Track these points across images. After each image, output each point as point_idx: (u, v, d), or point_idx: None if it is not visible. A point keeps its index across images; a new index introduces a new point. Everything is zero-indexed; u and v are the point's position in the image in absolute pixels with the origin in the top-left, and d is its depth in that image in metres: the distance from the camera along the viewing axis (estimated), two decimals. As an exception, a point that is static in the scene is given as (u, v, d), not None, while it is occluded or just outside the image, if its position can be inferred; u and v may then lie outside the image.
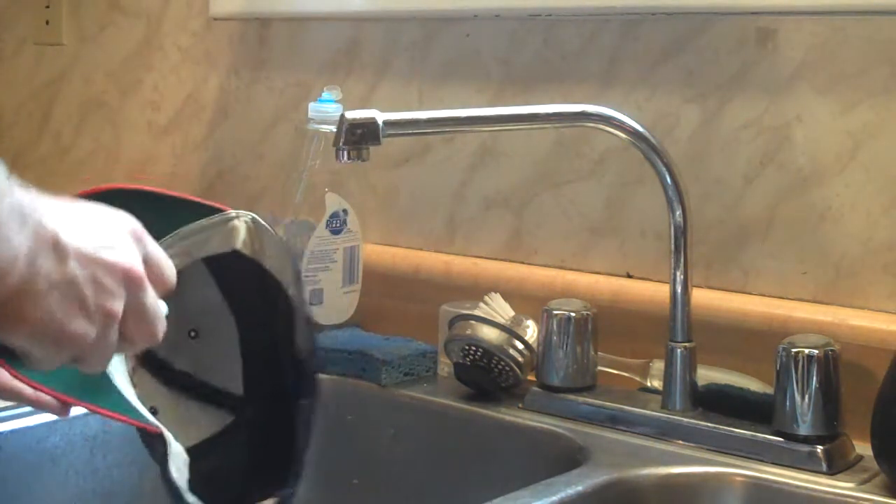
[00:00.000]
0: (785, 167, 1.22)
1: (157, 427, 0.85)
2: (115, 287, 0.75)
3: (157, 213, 0.89)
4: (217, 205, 0.92)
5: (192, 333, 0.92)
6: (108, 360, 0.78)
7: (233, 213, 0.91)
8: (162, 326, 0.79)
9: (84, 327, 0.74)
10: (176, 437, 0.87)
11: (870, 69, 1.17)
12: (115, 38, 1.80)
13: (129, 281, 0.76)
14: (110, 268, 0.75)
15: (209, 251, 0.90)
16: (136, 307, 0.77)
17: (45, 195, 0.74)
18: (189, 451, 0.88)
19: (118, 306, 0.75)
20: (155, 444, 0.86)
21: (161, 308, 0.79)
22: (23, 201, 0.70)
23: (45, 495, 1.17)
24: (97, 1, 1.82)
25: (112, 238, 0.76)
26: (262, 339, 0.92)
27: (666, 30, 1.29)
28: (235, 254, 0.90)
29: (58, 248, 0.72)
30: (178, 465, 0.86)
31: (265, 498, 0.88)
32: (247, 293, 0.93)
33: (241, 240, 0.91)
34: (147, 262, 0.78)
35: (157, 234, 0.87)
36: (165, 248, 0.86)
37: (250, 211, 0.91)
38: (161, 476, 0.87)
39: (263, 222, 0.91)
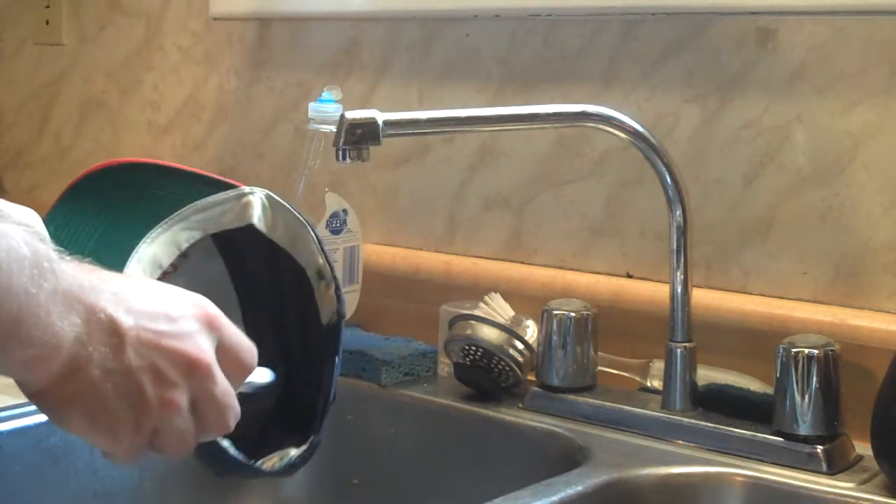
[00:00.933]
0: (785, 167, 1.22)
1: None
2: (178, 378, 0.71)
3: (173, 186, 0.90)
4: (232, 181, 0.92)
5: None
6: (187, 448, 0.74)
7: (247, 189, 0.92)
8: (235, 415, 0.75)
9: (144, 418, 0.70)
10: None
11: (870, 69, 1.17)
12: (115, 38, 1.80)
13: (194, 371, 0.72)
14: (173, 357, 0.71)
15: (224, 226, 0.91)
16: (204, 397, 0.73)
17: (106, 272, 0.70)
18: None
19: (180, 398, 0.71)
20: None
21: (233, 397, 0.75)
22: (72, 284, 0.67)
23: (45, 495, 1.17)
24: (97, 1, 1.82)
25: (178, 324, 0.72)
26: (269, 312, 0.93)
27: (666, 30, 1.29)
28: (249, 229, 0.91)
29: (115, 335, 0.68)
30: None
31: (290, 446, 0.88)
32: (254, 268, 0.93)
33: (256, 215, 0.91)
34: (222, 348, 0.74)
35: (173, 208, 0.87)
36: (181, 220, 0.87)
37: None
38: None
39: (278, 198, 0.92)
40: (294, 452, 0.88)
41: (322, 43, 1.57)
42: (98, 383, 0.68)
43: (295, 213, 0.93)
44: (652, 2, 1.29)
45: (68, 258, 0.68)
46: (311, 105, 1.39)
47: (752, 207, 1.24)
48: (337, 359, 0.91)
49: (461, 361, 1.25)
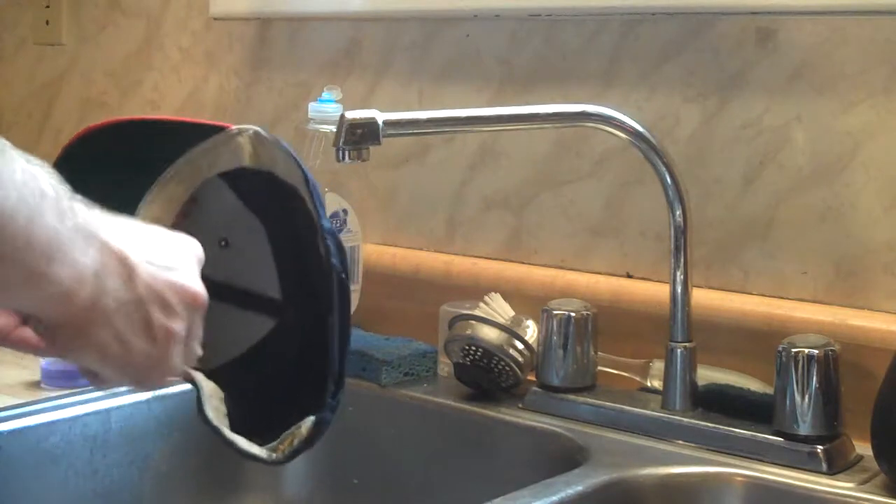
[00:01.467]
0: (785, 167, 1.22)
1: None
2: (181, 309, 0.76)
3: (166, 138, 0.91)
4: (220, 123, 0.93)
5: (223, 243, 0.93)
6: (173, 377, 0.79)
7: (235, 129, 0.93)
8: (198, 349, 0.81)
9: (149, 346, 0.75)
10: (224, 349, 0.88)
11: (870, 69, 1.17)
12: (115, 38, 1.80)
13: (192, 304, 0.77)
14: (177, 289, 0.75)
15: (220, 168, 0.92)
16: (194, 331, 0.78)
17: (110, 214, 0.74)
18: (237, 361, 0.90)
19: (181, 328, 0.76)
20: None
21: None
22: (88, 220, 0.70)
23: (45, 495, 1.17)
24: (97, 1, 1.82)
25: (178, 260, 0.76)
26: (291, 245, 0.93)
27: (666, 30, 1.29)
28: (243, 169, 0.92)
29: (126, 267, 0.72)
30: (214, 404, 0.87)
31: (309, 414, 0.88)
32: (267, 202, 0.93)
33: (247, 154, 0.92)
34: None
35: (169, 158, 0.88)
36: (175, 176, 0.89)
37: None
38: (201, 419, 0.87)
39: (265, 133, 0.93)
40: (303, 429, 0.87)
41: (322, 43, 1.57)
42: (111, 314, 0.72)
43: (286, 147, 0.93)
44: (652, 2, 1.29)
45: (79, 198, 0.72)
46: (311, 105, 1.39)
47: (752, 207, 1.24)
48: (331, 319, 0.88)
49: (461, 361, 1.25)
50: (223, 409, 0.88)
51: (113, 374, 0.76)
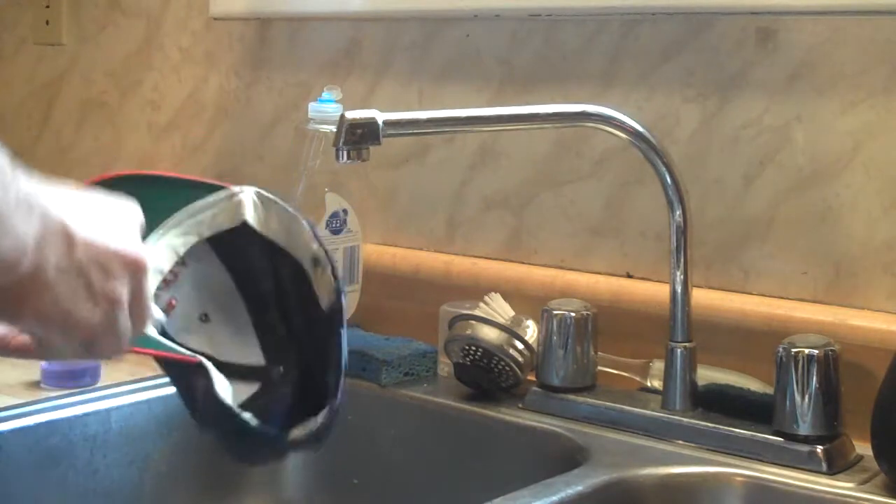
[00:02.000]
0: (785, 167, 1.22)
1: (195, 357, 0.87)
2: (120, 273, 0.76)
3: (164, 194, 0.91)
4: (220, 183, 0.94)
5: (204, 317, 0.93)
6: (122, 346, 0.79)
7: (237, 188, 0.93)
8: (150, 313, 0.81)
9: (91, 312, 0.75)
10: None
11: (870, 69, 1.17)
12: (115, 38, 1.80)
13: (132, 267, 0.77)
14: (116, 254, 0.76)
15: (217, 227, 0.93)
16: (137, 293, 0.79)
17: (48, 183, 0.75)
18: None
19: (123, 291, 0.77)
20: (195, 380, 0.87)
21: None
22: (29, 190, 0.71)
23: (45, 495, 1.17)
24: (97, 1, 1.82)
25: (117, 225, 0.77)
26: (275, 308, 0.94)
27: (666, 30, 1.29)
28: (243, 227, 0.93)
29: (66, 236, 0.73)
30: (223, 387, 0.87)
31: (312, 416, 0.90)
32: (255, 269, 0.95)
33: (249, 213, 0.93)
34: None
35: (167, 214, 0.88)
36: (176, 226, 0.89)
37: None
38: (202, 408, 0.87)
39: (267, 193, 0.94)
40: (319, 419, 0.89)
41: (322, 43, 1.57)
42: (52, 282, 0.73)
43: (285, 206, 0.94)
44: (652, 2, 1.29)
45: (21, 170, 0.72)
46: (311, 105, 1.39)
47: (752, 207, 1.24)
48: (341, 330, 0.92)
49: (461, 361, 1.25)
50: (230, 397, 0.88)
51: (61, 342, 0.77)
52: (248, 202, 0.93)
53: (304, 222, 0.94)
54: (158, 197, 0.91)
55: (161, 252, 0.90)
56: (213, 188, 0.93)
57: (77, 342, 0.77)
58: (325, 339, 0.93)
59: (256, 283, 0.95)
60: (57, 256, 0.73)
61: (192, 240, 0.92)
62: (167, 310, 0.90)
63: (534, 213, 1.39)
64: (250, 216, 0.93)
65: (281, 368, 0.93)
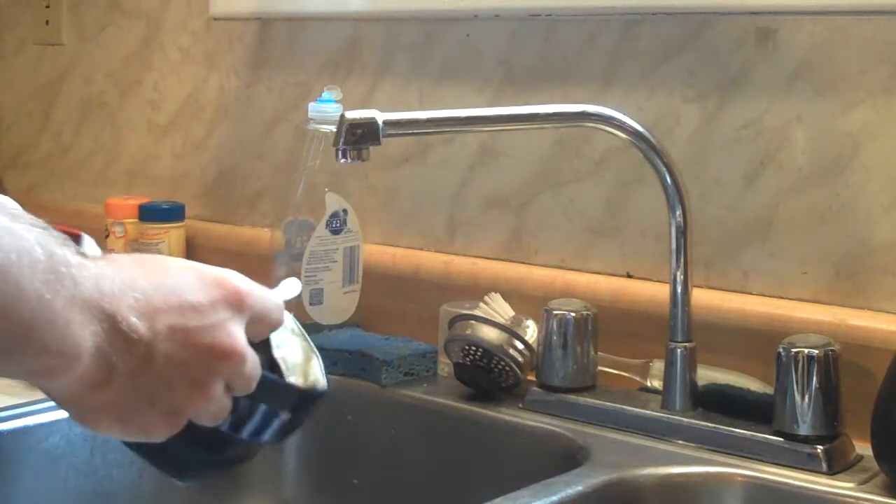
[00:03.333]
0: (785, 167, 1.22)
1: None
2: (211, 372, 0.70)
3: None
4: None
5: None
6: (220, 418, 0.73)
7: None
8: (259, 374, 0.74)
9: (174, 415, 0.70)
10: None
11: (870, 69, 1.17)
12: (115, 38, 1.80)
13: (228, 361, 0.70)
14: (206, 352, 0.69)
15: None
16: (235, 378, 0.72)
17: (130, 266, 0.68)
18: None
19: (213, 390, 0.70)
20: None
21: (258, 364, 0.73)
22: (93, 289, 0.64)
23: (45, 495, 1.17)
24: (97, 1, 1.82)
25: (207, 316, 0.70)
26: None
27: (666, 30, 1.29)
28: None
29: (138, 343, 0.66)
30: None
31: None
32: None
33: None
34: (252, 321, 0.72)
35: None
36: None
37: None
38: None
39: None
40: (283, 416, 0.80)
41: (322, 43, 1.57)
42: (127, 392, 0.67)
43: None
44: (652, 2, 1.29)
45: (90, 262, 0.66)
46: (311, 105, 1.39)
47: (752, 207, 1.24)
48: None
49: (461, 361, 1.25)
50: None
51: (140, 438, 0.72)
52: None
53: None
54: None
55: None
56: None
57: (162, 436, 0.71)
58: None
59: None
60: (129, 365, 0.66)
61: None
62: None
63: (534, 213, 1.39)
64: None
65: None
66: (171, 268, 0.71)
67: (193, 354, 0.69)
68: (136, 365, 0.67)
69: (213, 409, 0.72)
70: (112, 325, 0.65)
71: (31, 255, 0.62)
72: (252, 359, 0.73)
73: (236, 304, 0.71)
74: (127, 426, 0.70)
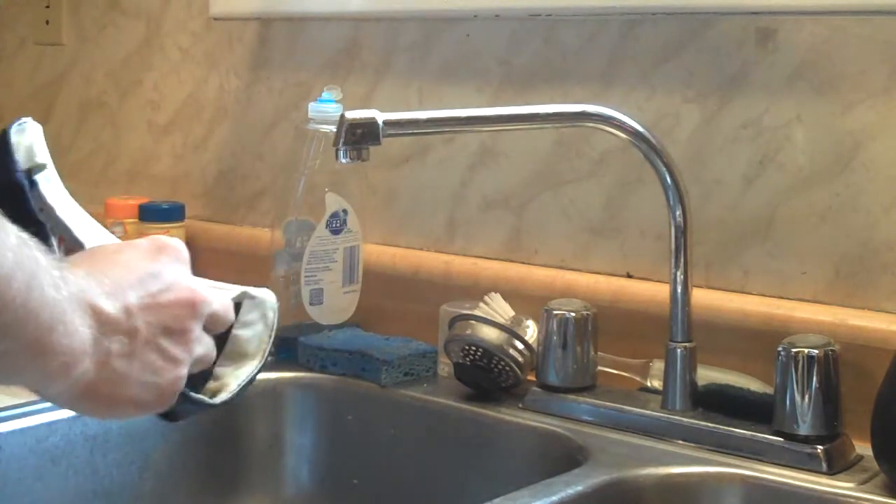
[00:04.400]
0: (785, 167, 1.22)
1: None
2: (187, 321, 0.76)
3: None
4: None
5: None
6: (211, 357, 0.81)
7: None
8: (231, 315, 0.82)
9: (172, 371, 0.75)
10: None
11: (870, 69, 1.17)
12: (115, 38, 1.80)
13: (197, 307, 0.76)
14: (176, 308, 0.75)
15: None
16: (210, 319, 0.79)
17: (83, 261, 0.74)
18: None
19: (196, 334, 0.77)
20: None
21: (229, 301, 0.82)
22: (80, 285, 0.69)
23: (45, 495, 1.17)
24: (97, 1, 1.82)
25: (163, 276, 0.76)
26: None
27: (666, 30, 1.29)
28: None
29: (123, 322, 0.71)
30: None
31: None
32: None
33: None
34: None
35: None
36: None
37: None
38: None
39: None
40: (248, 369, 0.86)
41: (322, 43, 1.57)
42: (125, 369, 0.72)
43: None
44: (652, 2, 1.29)
45: (65, 263, 0.71)
46: (311, 105, 1.39)
47: (752, 207, 1.24)
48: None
49: (461, 361, 1.25)
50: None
51: (151, 409, 0.76)
52: None
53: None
54: None
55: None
56: None
57: (169, 396, 0.76)
58: None
59: None
60: (120, 344, 0.71)
61: None
62: None
63: (534, 213, 1.39)
64: None
65: None
66: (112, 250, 0.79)
67: (168, 314, 0.74)
68: (126, 341, 0.72)
69: (202, 351, 0.78)
70: (96, 313, 0.70)
71: (40, 263, 0.66)
72: (218, 298, 0.80)
73: (178, 257, 0.78)
74: (140, 403, 0.74)
